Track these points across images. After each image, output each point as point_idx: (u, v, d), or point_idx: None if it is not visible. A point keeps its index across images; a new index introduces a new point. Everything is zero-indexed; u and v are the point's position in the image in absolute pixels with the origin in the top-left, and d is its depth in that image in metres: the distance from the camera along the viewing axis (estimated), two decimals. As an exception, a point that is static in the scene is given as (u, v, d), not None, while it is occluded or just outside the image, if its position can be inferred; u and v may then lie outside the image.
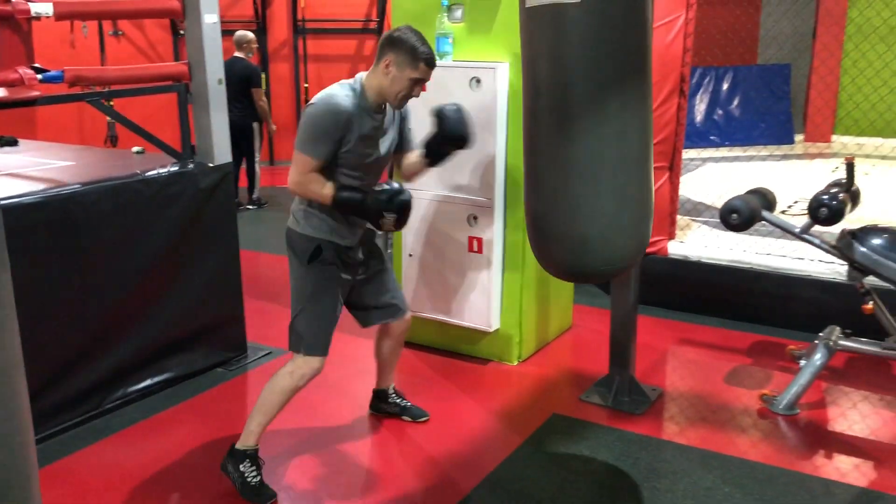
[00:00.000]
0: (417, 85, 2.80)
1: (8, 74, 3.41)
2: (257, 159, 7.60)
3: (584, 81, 2.38)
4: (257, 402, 2.89)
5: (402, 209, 2.78)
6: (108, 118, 7.87)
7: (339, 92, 2.74)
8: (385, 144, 2.89)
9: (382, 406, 3.48)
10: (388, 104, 2.84)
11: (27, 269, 3.08)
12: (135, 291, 3.51)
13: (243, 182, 7.60)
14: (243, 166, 7.51)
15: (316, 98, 2.75)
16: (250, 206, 7.57)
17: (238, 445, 2.89)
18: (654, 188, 2.65)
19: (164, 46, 9.35)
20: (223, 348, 3.96)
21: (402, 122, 2.97)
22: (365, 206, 2.76)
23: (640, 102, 2.47)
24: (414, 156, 3.02)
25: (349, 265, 2.92)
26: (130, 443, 3.25)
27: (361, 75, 2.82)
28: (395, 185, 2.80)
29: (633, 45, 2.42)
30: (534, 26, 2.48)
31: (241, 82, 7.10)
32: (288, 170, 2.80)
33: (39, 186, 3.27)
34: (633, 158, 2.49)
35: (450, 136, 2.91)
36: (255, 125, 7.45)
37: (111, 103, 7.76)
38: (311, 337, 2.85)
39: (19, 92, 3.48)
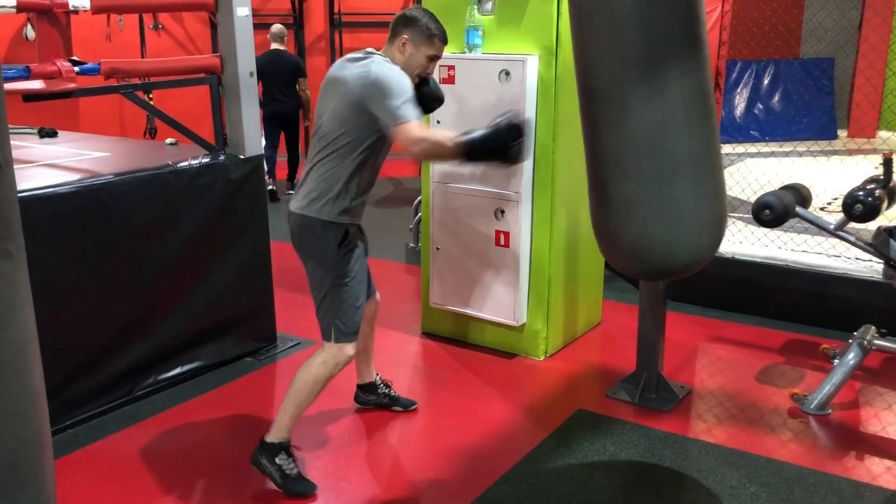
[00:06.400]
0: (433, 62, 2.85)
1: (46, 67, 3.49)
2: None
3: (638, 68, 2.34)
4: (288, 393, 2.84)
5: (522, 131, 2.58)
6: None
7: (384, 61, 2.72)
8: None
9: (371, 398, 3.43)
10: None
11: (60, 256, 3.15)
12: (166, 280, 3.56)
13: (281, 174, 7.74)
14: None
15: (373, 67, 2.64)
16: (291, 192, 7.64)
17: (269, 438, 2.84)
18: (724, 181, 2.56)
19: (202, 40, 9.46)
20: (253, 338, 4.01)
21: None
22: (498, 139, 2.54)
23: (699, 92, 2.40)
24: None
25: (364, 244, 2.92)
26: (160, 429, 3.30)
27: (376, 51, 2.79)
28: (500, 117, 2.60)
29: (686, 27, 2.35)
30: (585, 11, 2.44)
31: (291, 73, 7.35)
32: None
33: (74, 176, 3.33)
34: (695, 150, 2.43)
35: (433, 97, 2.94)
36: (302, 113, 7.67)
37: (150, 95, 7.91)
38: (341, 323, 2.80)
39: (57, 84, 3.56)
